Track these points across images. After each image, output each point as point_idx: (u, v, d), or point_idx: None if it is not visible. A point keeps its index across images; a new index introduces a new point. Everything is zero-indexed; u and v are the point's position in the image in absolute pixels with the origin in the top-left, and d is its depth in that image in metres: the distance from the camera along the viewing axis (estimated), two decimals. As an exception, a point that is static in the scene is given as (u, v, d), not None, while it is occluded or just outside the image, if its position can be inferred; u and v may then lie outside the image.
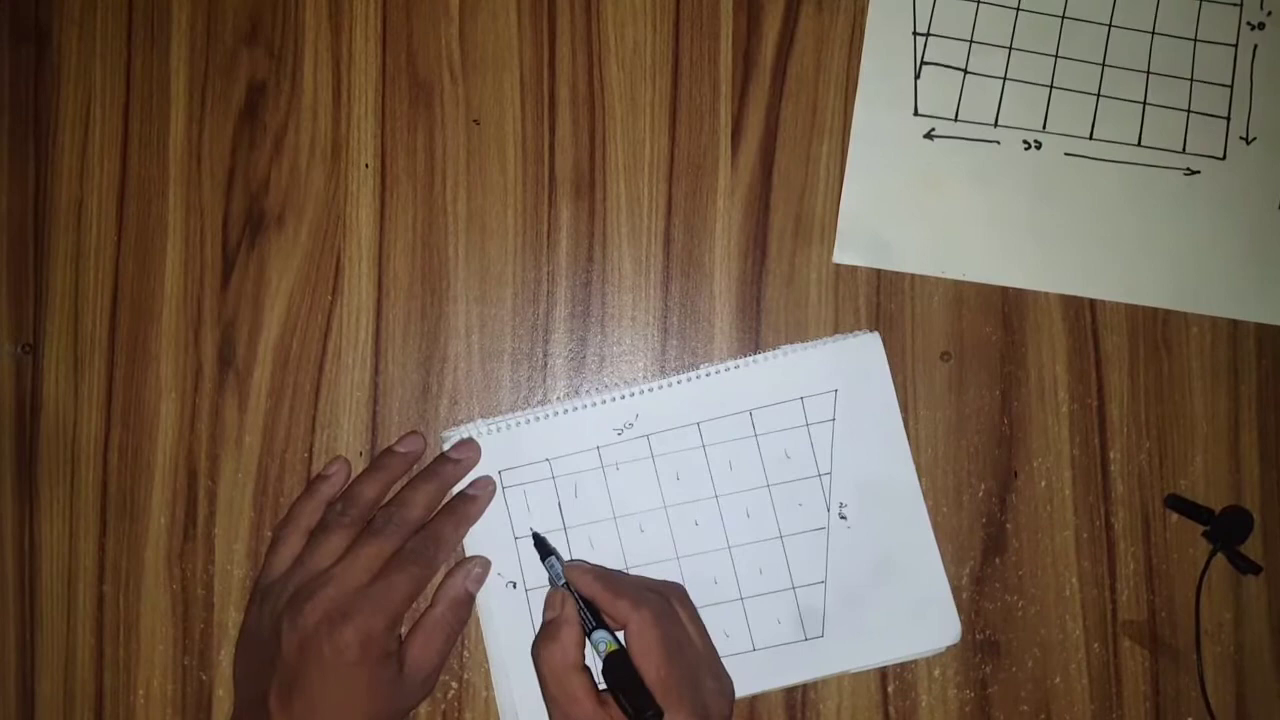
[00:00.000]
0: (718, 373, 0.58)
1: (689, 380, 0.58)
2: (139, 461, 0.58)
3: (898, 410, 0.58)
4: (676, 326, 0.59)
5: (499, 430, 0.57)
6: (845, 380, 0.57)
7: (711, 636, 0.54)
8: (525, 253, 0.59)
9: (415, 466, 0.57)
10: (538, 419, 0.57)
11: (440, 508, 0.56)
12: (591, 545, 0.57)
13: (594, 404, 0.57)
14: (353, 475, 0.57)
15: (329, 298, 0.59)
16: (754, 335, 0.59)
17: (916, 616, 0.56)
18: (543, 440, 0.57)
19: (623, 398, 0.57)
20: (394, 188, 0.59)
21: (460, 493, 0.57)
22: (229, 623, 0.57)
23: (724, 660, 0.55)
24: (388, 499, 0.56)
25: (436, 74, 0.60)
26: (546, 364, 0.59)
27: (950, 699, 0.57)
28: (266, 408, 0.58)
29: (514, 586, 0.57)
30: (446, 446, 0.57)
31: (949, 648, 0.57)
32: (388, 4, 0.60)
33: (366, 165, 0.59)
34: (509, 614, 0.56)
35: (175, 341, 0.59)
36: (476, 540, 0.57)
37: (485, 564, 0.56)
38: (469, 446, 0.57)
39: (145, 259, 0.59)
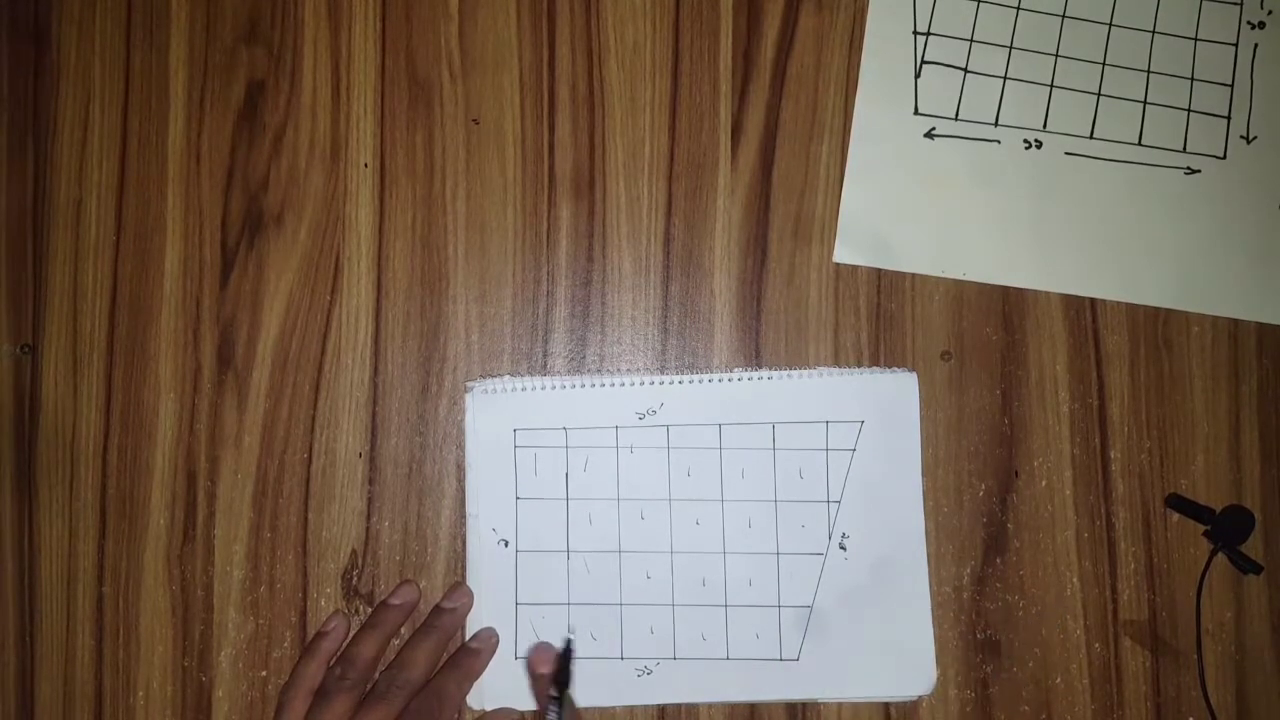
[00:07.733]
0: (750, 379, 0.57)
1: (719, 380, 0.57)
2: (138, 462, 0.58)
3: (919, 454, 0.57)
4: (676, 326, 0.59)
5: (523, 390, 0.57)
6: (874, 413, 0.57)
7: (689, 636, 0.55)
8: (525, 252, 0.59)
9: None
10: (563, 387, 0.57)
11: (443, 664, 0.55)
12: (590, 521, 0.57)
13: (621, 384, 0.57)
14: (351, 630, 0.56)
15: (328, 297, 0.59)
16: (754, 335, 0.59)
17: (893, 661, 0.56)
18: (564, 408, 0.57)
19: (651, 383, 0.57)
20: (393, 187, 0.59)
21: (463, 646, 0.56)
22: (228, 624, 0.57)
23: (696, 664, 0.56)
24: (391, 656, 0.55)
25: (436, 73, 0.59)
26: (546, 364, 0.59)
27: (951, 699, 0.57)
28: (266, 408, 0.58)
29: (505, 545, 0.57)
30: (470, 397, 0.57)
31: (920, 698, 0.56)
32: (387, 3, 0.60)
33: (366, 164, 0.59)
34: (495, 571, 0.57)
35: (174, 341, 0.58)
36: (480, 498, 0.57)
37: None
38: (462, 593, 0.56)
39: (144, 258, 0.59)
